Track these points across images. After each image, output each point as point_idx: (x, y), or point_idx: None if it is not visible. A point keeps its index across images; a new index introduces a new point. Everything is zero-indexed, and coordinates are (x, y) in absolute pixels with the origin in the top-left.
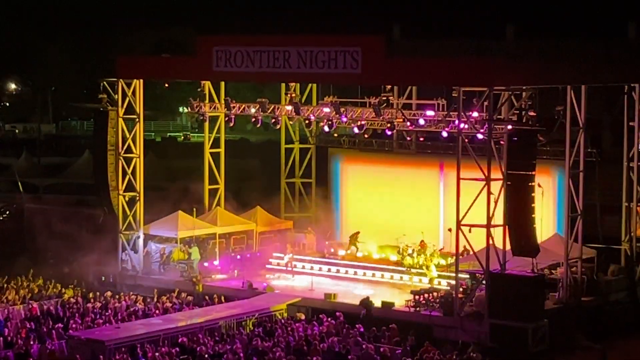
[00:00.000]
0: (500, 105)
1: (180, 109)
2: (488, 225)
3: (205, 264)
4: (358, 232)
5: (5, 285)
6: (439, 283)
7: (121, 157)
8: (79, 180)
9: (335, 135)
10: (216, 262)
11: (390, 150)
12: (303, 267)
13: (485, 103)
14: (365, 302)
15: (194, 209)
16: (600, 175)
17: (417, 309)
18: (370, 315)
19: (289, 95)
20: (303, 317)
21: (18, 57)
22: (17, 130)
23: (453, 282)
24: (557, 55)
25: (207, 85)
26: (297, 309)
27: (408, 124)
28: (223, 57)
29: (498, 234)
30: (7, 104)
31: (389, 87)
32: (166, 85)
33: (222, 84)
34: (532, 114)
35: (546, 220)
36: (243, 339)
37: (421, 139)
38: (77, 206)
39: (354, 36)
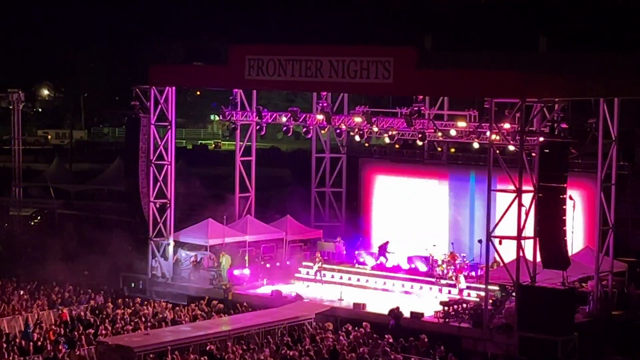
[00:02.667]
0: (532, 117)
1: (212, 117)
2: (519, 237)
3: (236, 272)
4: (387, 242)
5: (35, 291)
6: (469, 294)
7: (152, 164)
8: (110, 187)
9: (367, 145)
10: (246, 271)
11: (421, 161)
12: (332, 277)
13: (517, 115)
14: (395, 312)
15: (224, 217)
16: (632, 188)
17: (447, 320)
18: (400, 326)
19: (320, 104)
20: (331, 326)
21: (51, 64)
22: (49, 137)
23: (483, 293)
24: (590, 67)
25: (239, 93)
26: (325, 318)
27: (439, 134)
28: (255, 66)
29: (528, 246)
30: (40, 110)
31: (420, 97)
32: (198, 93)
33: (254, 92)
34: (564, 126)
35: (577, 233)
36: (272, 347)
37: (452, 149)
38: (108, 212)
39: (387, 47)
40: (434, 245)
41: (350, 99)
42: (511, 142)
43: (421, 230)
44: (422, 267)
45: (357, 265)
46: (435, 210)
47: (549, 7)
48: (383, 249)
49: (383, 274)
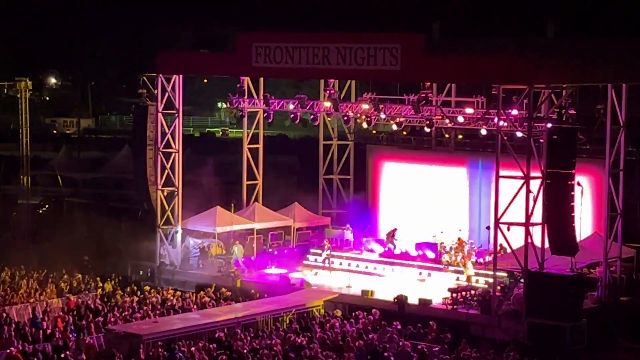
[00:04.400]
0: (540, 103)
1: (219, 105)
2: (527, 224)
3: (241, 261)
4: (395, 229)
5: (44, 279)
6: (477, 281)
7: (160, 152)
8: (117, 175)
9: (374, 132)
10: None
11: (428, 148)
12: (340, 264)
13: (525, 101)
14: (399, 299)
15: (232, 205)
16: None
17: (455, 306)
18: (403, 312)
19: (327, 91)
20: (340, 313)
21: (58, 52)
22: (56, 125)
23: (491, 280)
24: (598, 53)
25: (246, 81)
26: (334, 305)
27: (447, 121)
28: (262, 53)
29: (537, 232)
30: (47, 98)
31: (428, 84)
32: (205, 80)
33: (261, 80)
34: (572, 112)
35: (585, 219)
36: (280, 334)
37: (460, 136)
38: (116, 200)
39: (394, 33)
40: (442, 232)
41: (357, 86)
42: (519, 128)
43: (429, 217)
44: (431, 254)
45: (365, 252)
46: (443, 197)
47: None
48: (391, 235)
49: (391, 261)
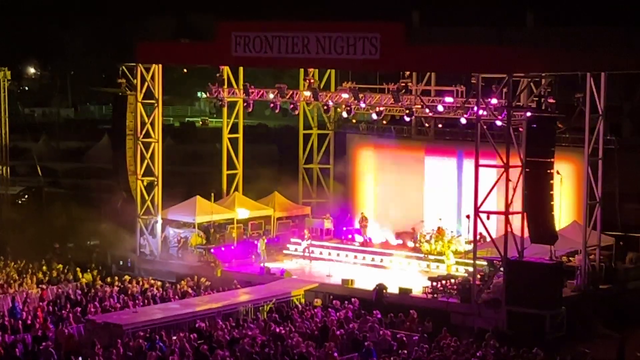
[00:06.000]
0: (520, 92)
1: (199, 94)
2: (506, 212)
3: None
4: (366, 219)
5: (23, 269)
6: (457, 270)
7: (140, 142)
8: (97, 165)
9: (354, 121)
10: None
11: (408, 137)
12: (320, 253)
13: (505, 90)
14: (377, 288)
15: (212, 194)
16: (619, 163)
17: (435, 295)
18: (381, 302)
19: (307, 80)
20: (320, 302)
21: (37, 41)
22: (35, 114)
23: (471, 268)
24: (577, 42)
25: (226, 70)
26: (314, 294)
27: (427, 110)
28: (242, 43)
29: (516, 221)
30: (26, 88)
31: (407, 73)
32: (185, 70)
33: (241, 69)
34: (551, 101)
35: (565, 207)
36: (260, 324)
37: (440, 125)
38: (96, 190)
39: (373, 22)
40: (422, 221)
41: (337, 75)
42: (498, 117)
43: (409, 206)
44: (410, 243)
45: (345, 242)
46: (422, 186)
47: None
48: (363, 222)
49: (372, 250)
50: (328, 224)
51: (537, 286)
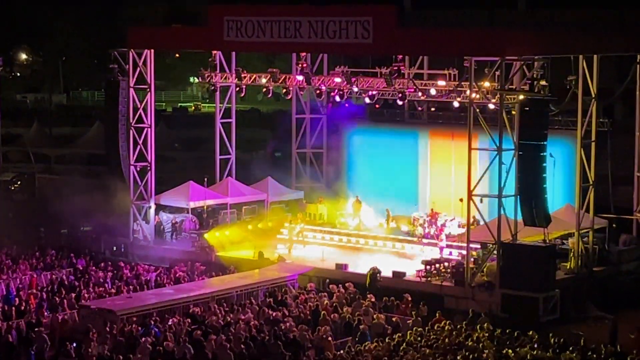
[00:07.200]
0: (512, 75)
1: (191, 79)
2: (500, 196)
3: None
4: (360, 203)
5: (17, 255)
6: (450, 253)
7: (132, 127)
8: (90, 151)
9: (347, 105)
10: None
11: (401, 121)
12: (314, 237)
13: (497, 73)
14: (370, 272)
15: (205, 179)
16: (612, 145)
17: (428, 279)
18: (374, 286)
19: (300, 65)
20: (314, 287)
21: (29, 27)
22: (28, 101)
23: (464, 252)
24: (569, 24)
25: (218, 55)
26: (308, 279)
27: (419, 94)
28: (234, 27)
29: (509, 204)
30: (18, 74)
31: (400, 57)
32: (177, 55)
33: (233, 54)
34: (543, 83)
35: (558, 190)
36: (254, 308)
37: (432, 109)
38: (88, 176)
39: (365, 6)
40: (416, 205)
41: (329, 59)
42: (491, 100)
43: (402, 190)
44: (404, 227)
45: (339, 226)
46: (416, 169)
47: None
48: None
49: (365, 234)
50: (321, 209)
51: (530, 269)
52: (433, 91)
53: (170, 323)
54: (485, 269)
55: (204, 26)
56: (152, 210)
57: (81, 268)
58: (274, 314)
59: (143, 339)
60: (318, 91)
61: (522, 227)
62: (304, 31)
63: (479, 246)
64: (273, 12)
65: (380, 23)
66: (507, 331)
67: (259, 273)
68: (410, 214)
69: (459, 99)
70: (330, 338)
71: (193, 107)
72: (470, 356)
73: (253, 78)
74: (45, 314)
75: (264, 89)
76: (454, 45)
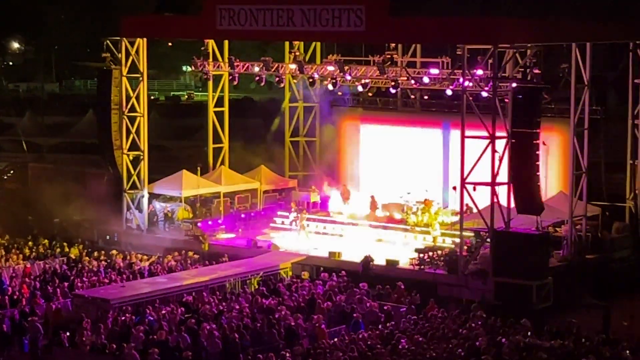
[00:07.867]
0: (505, 62)
1: (184, 68)
2: (493, 183)
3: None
4: (348, 191)
5: (9, 245)
6: (444, 241)
7: (125, 116)
8: (82, 140)
9: (339, 93)
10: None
11: (394, 109)
12: (308, 226)
13: (490, 61)
14: (363, 260)
15: (198, 168)
16: (605, 133)
17: (422, 267)
18: (367, 274)
19: (292, 53)
20: (307, 275)
21: (20, 15)
22: (20, 90)
23: (457, 240)
24: (562, 12)
25: (211, 43)
26: (301, 267)
27: (412, 82)
28: (227, 16)
29: (502, 192)
30: (10, 63)
31: (392, 45)
32: (170, 44)
33: (226, 42)
34: (536, 71)
35: (551, 178)
36: (248, 297)
37: (425, 97)
38: (81, 165)
39: None
40: (409, 193)
41: (322, 47)
42: (484, 88)
43: (396, 178)
44: (397, 215)
45: (332, 214)
46: (409, 157)
47: None
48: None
49: (358, 222)
50: (315, 197)
51: (523, 257)
52: (426, 79)
53: (164, 312)
54: (478, 257)
55: (196, 15)
56: (145, 199)
57: (74, 257)
58: (268, 302)
59: (137, 327)
60: (311, 79)
61: (515, 215)
62: (297, 19)
63: (472, 234)
64: (266, 0)
65: (372, 11)
66: (501, 319)
67: (252, 261)
68: (403, 202)
69: (451, 87)
70: (323, 326)
71: (186, 96)
72: (464, 344)
73: (246, 66)
74: (41, 303)
75: (257, 78)
76: (447, 33)
